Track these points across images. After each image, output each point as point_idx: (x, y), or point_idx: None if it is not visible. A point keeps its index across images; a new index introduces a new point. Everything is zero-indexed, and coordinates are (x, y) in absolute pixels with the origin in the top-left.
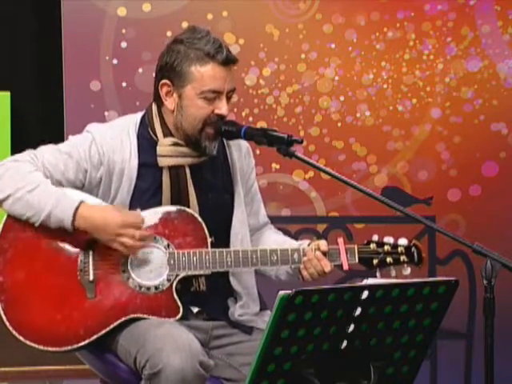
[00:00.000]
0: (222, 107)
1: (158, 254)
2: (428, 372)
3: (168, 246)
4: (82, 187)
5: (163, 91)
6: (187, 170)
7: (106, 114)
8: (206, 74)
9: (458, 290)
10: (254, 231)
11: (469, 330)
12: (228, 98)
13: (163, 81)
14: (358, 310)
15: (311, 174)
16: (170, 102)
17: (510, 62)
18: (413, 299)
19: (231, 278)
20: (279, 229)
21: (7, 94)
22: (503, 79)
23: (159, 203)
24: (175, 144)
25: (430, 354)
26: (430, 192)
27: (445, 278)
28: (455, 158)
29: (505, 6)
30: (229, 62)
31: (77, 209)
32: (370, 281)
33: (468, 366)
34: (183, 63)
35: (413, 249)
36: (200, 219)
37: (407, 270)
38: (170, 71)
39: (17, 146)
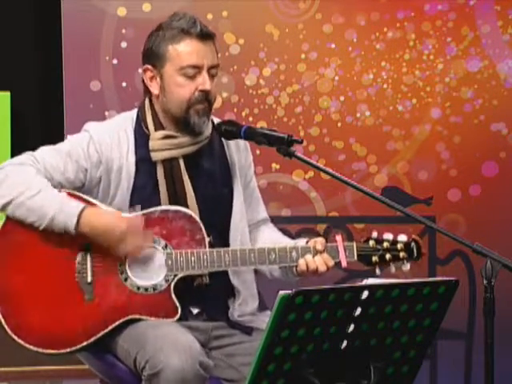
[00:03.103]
0: (205, 82)
1: (156, 254)
2: (428, 372)
3: (166, 246)
4: (82, 187)
5: (147, 76)
6: (181, 162)
7: (106, 113)
8: (181, 50)
9: (458, 290)
10: (251, 228)
11: (469, 330)
12: (211, 76)
13: (145, 66)
14: (358, 310)
15: (311, 173)
16: (154, 87)
17: (510, 61)
18: (413, 299)
19: (230, 273)
20: (279, 229)
21: (7, 94)
22: (503, 79)
23: (158, 198)
24: (166, 137)
25: (429, 353)
26: (430, 192)
27: (445, 278)
28: (455, 157)
29: (505, 6)
30: (204, 36)
31: (81, 213)
32: (370, 281)
33: (468, 366)
34: (161, 45)
35: (412, 244)
36: (198, 219)
37: (407, 266)
38: (150, 55)
39: (17, 146)
